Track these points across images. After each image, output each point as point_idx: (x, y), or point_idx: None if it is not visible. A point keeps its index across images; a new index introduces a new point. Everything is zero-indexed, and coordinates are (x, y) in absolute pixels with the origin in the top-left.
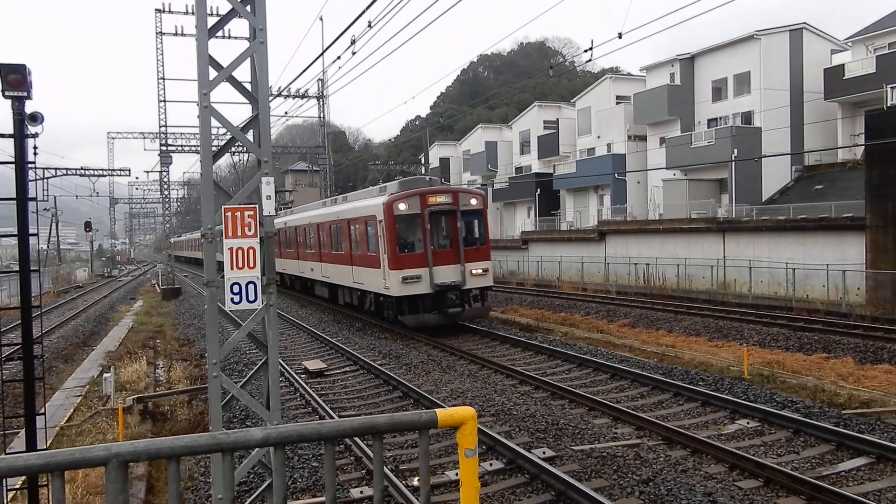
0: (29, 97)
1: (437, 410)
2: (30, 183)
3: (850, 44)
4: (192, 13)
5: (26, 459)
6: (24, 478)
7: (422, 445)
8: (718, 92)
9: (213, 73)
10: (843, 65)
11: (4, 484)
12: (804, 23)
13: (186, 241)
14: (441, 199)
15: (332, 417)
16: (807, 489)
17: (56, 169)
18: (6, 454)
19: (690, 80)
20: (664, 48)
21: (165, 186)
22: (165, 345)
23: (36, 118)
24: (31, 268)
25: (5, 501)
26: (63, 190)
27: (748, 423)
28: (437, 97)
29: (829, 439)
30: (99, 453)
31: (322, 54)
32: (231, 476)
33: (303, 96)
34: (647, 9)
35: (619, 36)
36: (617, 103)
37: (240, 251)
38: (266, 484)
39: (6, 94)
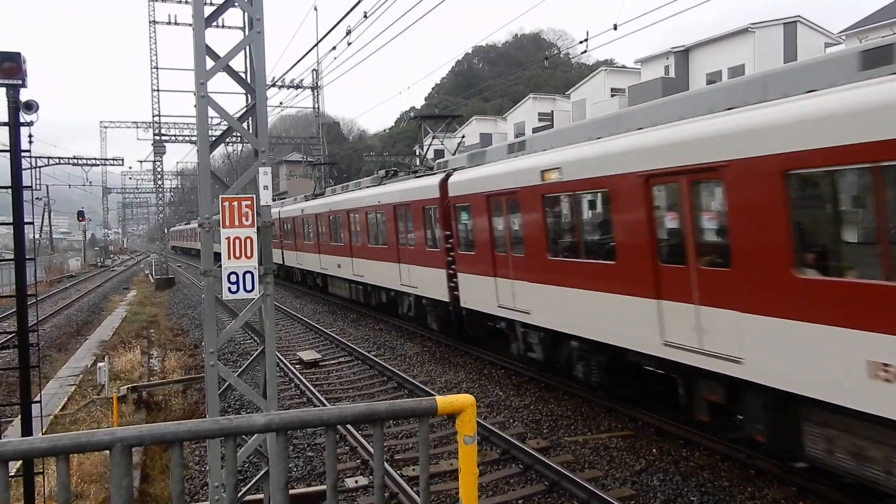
0: (24, 85)
1: (437, 398)
2: (24, 171)
3: (843, 37)
4: (186, 2)
5: (31, 443)
6: (18, 466)
7: (421, 432)
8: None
9: (209, 63)
10: None
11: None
12: (798, 16)
13: (186, 230)
14: None
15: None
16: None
17: (49, 158)
18: (7, 439)
19: (685, 72)
20: (659, 41)
21: (159, 176)
22: (159, 335)
23: (31, 106)
24: (26, 256)
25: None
26: (56, 179)
27: None
28: (432, 88)
29: None
30: (103, 437)
31: (317, 44)
32: (234, 461)
33: (297, 87)
34: (643, 1)
35: (615, 27)
36: (612, 96)
37: (237, 241)
38: (262, 473)
39: (0, 82)
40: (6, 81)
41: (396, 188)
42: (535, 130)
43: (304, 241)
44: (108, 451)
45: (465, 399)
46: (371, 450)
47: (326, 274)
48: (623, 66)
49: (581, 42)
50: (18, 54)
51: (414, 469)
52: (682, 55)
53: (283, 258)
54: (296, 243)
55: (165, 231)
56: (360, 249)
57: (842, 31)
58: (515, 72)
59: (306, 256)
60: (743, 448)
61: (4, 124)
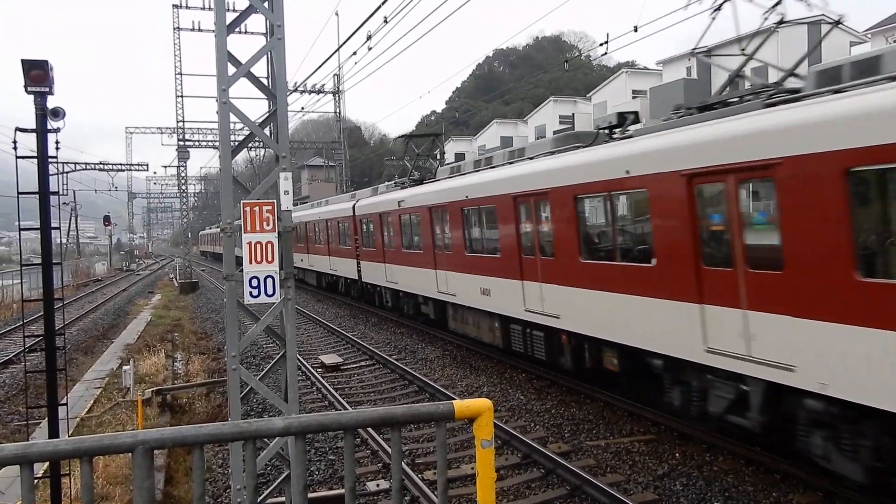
0: (51, 93)
1: (454, 402)
2: (51, 177)
3: (869, 35)
4: (209, 9)
5: (56, 445)
6: (45, 467)
7: (439, 436)
8: (736, 86)
9: (231, 70)
10: None
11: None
12: (822, 15)
13: (217, 234)
14: None
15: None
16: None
17: (75, 163)
18: (33, 441)
19: (707, 73)
20: (681, 42)
21: (183, 181)
22: (183, 338)
23: (58, 113)
24: (53, 261)
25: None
26: (82, 184)
27: None
28: (453, 92)
29: None
30: (126, 440)
31: (338, 50)
32: (254, 463)
33: (319, 92)
34: (664, 2)
35: (635, 29)
36: (633, 98)
37: (258, 245)
38: (283, 476)
39: (29, 89)
40: (34, 89)
41: (698, 137)
42: (555, 132)
43: (402, 250)
44: (130, 454)
45: (482, 403)
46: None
47: (450, 302)
48: (644, 68)
49: (601, 45)
50: (46, 62)
51: (435, 472)
52: (705, 56)
53: (359, 272)
54: (384, 252)
55: (189, 235)
56: (552, 267)
57: (867, 30)
58: (536, 74)
59: (409, 273)
60: (767, 452)
61: (32, 131)
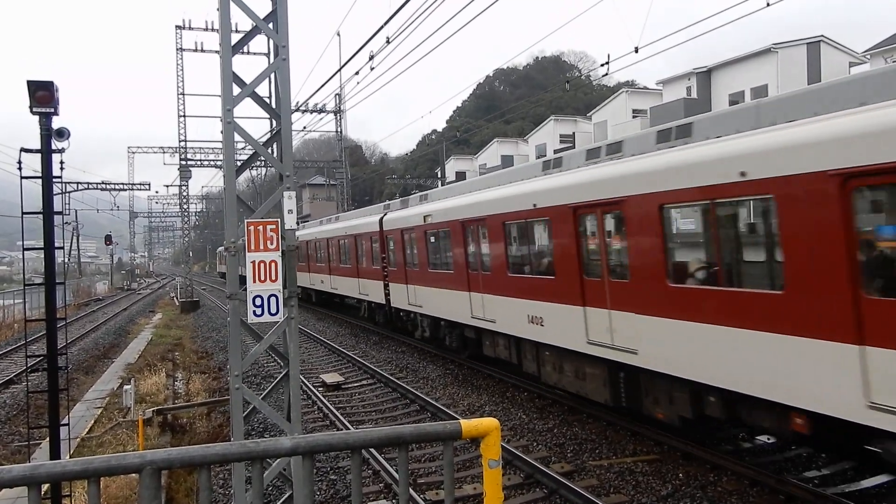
0: (56, 113)
1: (462, 421)
2: (54, 197)
3: (868, 56)
4: (212, 30)
5: (64, 466)
6: (45, 489)
7: (446, 456)
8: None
9: (236, 90)
10: None
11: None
12: (822, 35)
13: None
14: None
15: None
16: None
17: (77, 183)
18: (40, 462)
19: (707, 93)
20: (680, 62)
21: (184, 200)
22: (184, 357)
23: (62, 133)
24: (56, 280)
25: None
26: (84, 203)
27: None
28: (454, 111)
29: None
30: (134, 460)
31: (340, 70)
32: (261, 484)
33: (321, 111)
34: (664, 23)
35: (636, 50)
36: (633, 117)
37: (262, 264)
38: (286, 496)
39: (34, 110)
40: (39, 110)
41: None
42: (556, 153)
43: None
44: (136, 475)
45: (489, 423)
46: (394, 473)
47: None
48: (644, 88)
49: (602, 65)
50: (51, 83)
51: (437, 493)
52: (705, 76)
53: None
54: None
55: (191, 254)
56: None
57: (866, 51)
58: (537, 94)
59: None
60: (772, 473)
61: (37, 151)
